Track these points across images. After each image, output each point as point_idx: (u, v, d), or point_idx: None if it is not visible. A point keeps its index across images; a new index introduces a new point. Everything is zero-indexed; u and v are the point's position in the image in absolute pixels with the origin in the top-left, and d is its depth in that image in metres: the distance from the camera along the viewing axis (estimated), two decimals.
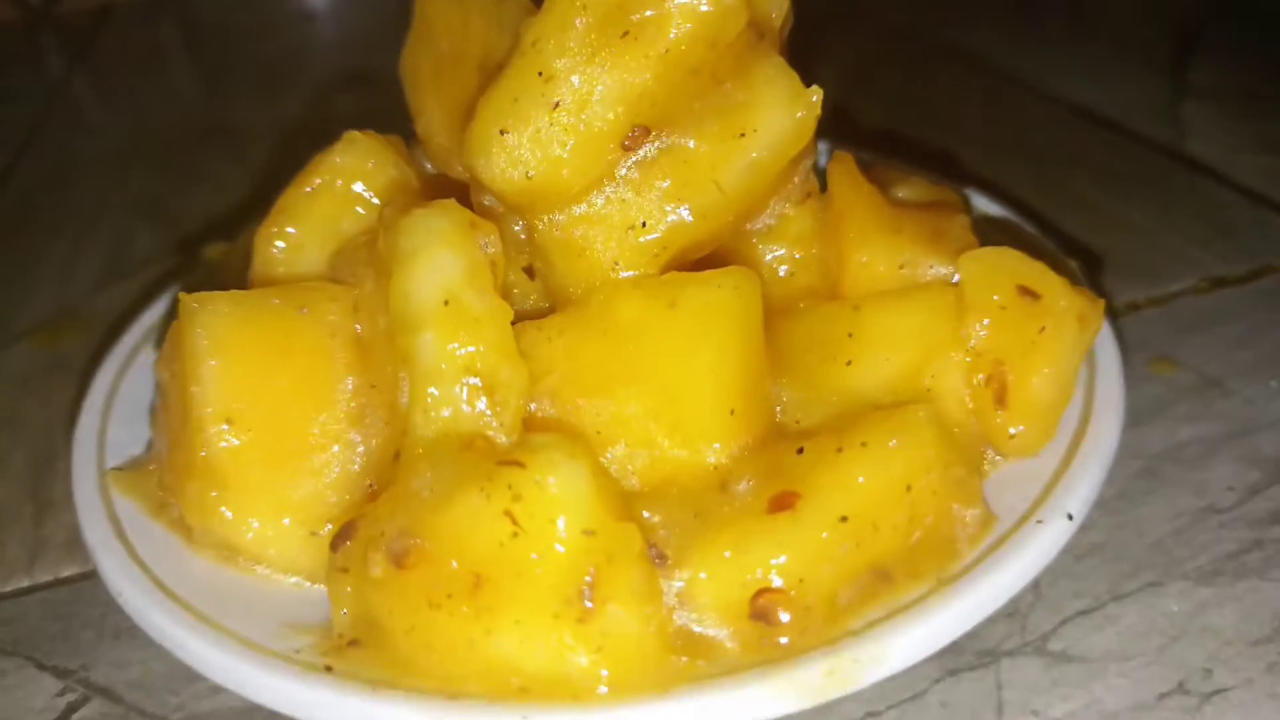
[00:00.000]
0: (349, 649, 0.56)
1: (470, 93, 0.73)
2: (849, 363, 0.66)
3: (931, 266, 0.70)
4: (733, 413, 0.60)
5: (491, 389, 0.59)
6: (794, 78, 0.65)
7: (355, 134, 0.73)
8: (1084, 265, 0.97)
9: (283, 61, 1.85)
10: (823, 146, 1.04)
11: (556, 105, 0.61)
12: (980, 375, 0.64)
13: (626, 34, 0.59)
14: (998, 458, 0.66)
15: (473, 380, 0.58)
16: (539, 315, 0.72)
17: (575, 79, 0.61)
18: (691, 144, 0.63)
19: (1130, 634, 0.67)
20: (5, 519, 0.84)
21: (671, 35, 0.59)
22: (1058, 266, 0.79)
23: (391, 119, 0.81)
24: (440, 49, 0.76)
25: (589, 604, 0.52)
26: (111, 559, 0.62)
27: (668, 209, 0.64)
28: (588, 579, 0.52)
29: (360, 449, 0.64)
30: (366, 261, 0.67)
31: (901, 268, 0.69)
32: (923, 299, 0.66)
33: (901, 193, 0.78)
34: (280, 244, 0.72)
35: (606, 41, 0.60)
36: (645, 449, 0.60)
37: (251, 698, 0.56)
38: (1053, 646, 0.66)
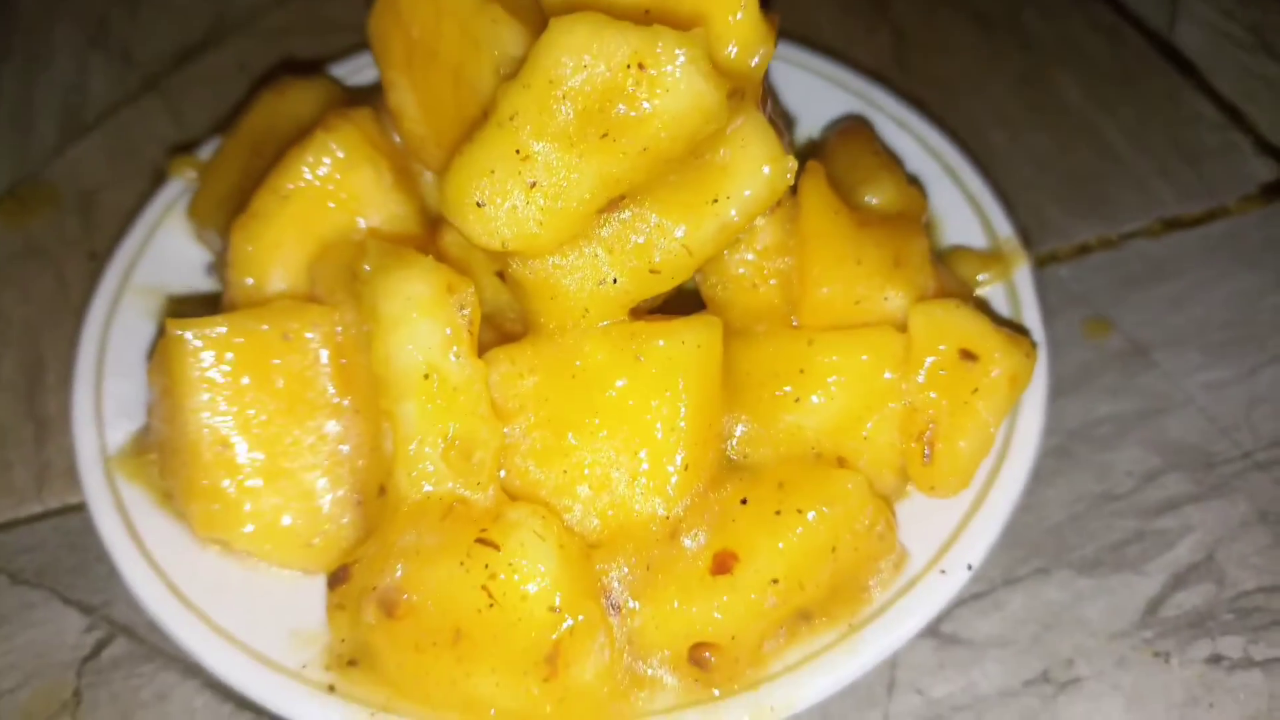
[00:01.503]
0: (349, 668, 0.65)
1: (445, 98, 0.72)
2: (797, 399, 0.71)
3: (887, 298, 0.74)
4: (687, 468, 0.67)
5: (468, 451, 0.65)
6: (771, 141, 0.65)
7: (325, 137, 0.73)
8: (1028, 218, 1.00)
9: None
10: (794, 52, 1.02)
11: (533, 185, 0.62)
12: (913, 431, 0.70)
13: (606, 135, 0.59)
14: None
15: (451, 448, 0.64)
16: (512, 313, 0.76)
17: (553, 161, 0.61)
18: (663, 214, 0.65)
19: (1012, 620, 0.79)
20: (7, 440, 0.90)
21: (652, 136, 0.59)
22: (998, 262, 0.83)
23: None
24: (411, 34, 0.73)
25: (554, 666, 0.61)
26: (129, 564, 0.70)
27: (638, 267, 0.66)
28: (553, 647, 0.61)
29: (347, 466, 0.70)
30: (346, 286, 0.70)
31: (858, 303, 0.73)
32: (872, 345, 0.71)
33: (870, 196, 0.80)
34: (256, 247, 0.73)
35: (585, 135, 0.60)
36: (607, 493, 0.67)
37: (264, 707, 0.66)
38: (945, 629, 0.78)
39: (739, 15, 0.65)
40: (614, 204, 0.64)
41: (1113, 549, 0.81)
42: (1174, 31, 1.22)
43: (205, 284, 0.88)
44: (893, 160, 0.85)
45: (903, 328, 0.73)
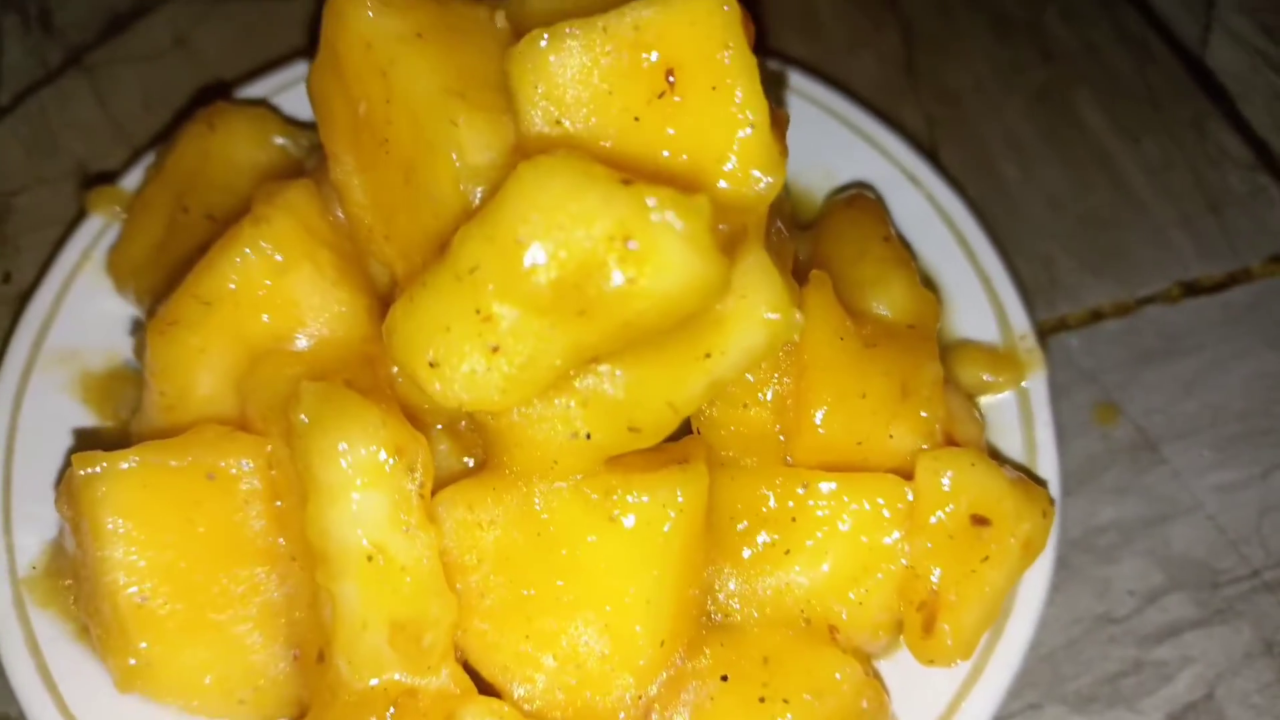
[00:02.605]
0: None
1: (396, 193, 0.62)
2: (787, 552, 0.64)
3: (892, 436, 0.66)
4: (663, 643, 0.60)
5: (418, 635, 0.57)
6: (777, 286, 0.56)
7: (254, 234, 0.62)
8: (1039, 273, 0.92)
9: None
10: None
11: (496, 349, 0.52)
12: (912, 597, 0.63)
13: (583, 312, 0.50)
14: None
15: (399, 633, 0.56)
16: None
17: (519, 328, 0.52)
18: (645, 369, 0.56)
19: None
20: None
21: (637, 314, 0.50)
22: (1011, 366, 0.76)
23: None
24: (357, 109, 0.63)
25: None
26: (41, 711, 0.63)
27: (615, 424, 0.58)
28: None
29: (284, 618, 0.63)
30: (278, 419, 0.61)
31: (860, 443, 0.65)
32: (873, 498, 0.64)
33: (879, 304, 0.71)
34: (176, 356, 0.64)
35: (558, 307, 0.50)
36: (574, 666, 0.60)
37: None
38: None
39: (746, 132, 0.56)
40: (590, 364, 0.55)
41: (1109, 681, 0.77)
42: (1206, 47, 1.12)
43: (128, 346, 0.78)
44: (904, 252, 0.76)
45: (907, 469, 0.66)
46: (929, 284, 0.80)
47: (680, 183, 0.55)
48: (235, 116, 0.78)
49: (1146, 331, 0.93)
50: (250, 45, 1.06)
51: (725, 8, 0.54)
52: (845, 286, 0.71)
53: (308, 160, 0.74)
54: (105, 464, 0.60)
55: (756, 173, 0.56)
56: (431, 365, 0.53)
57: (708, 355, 0.56)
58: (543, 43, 0.56)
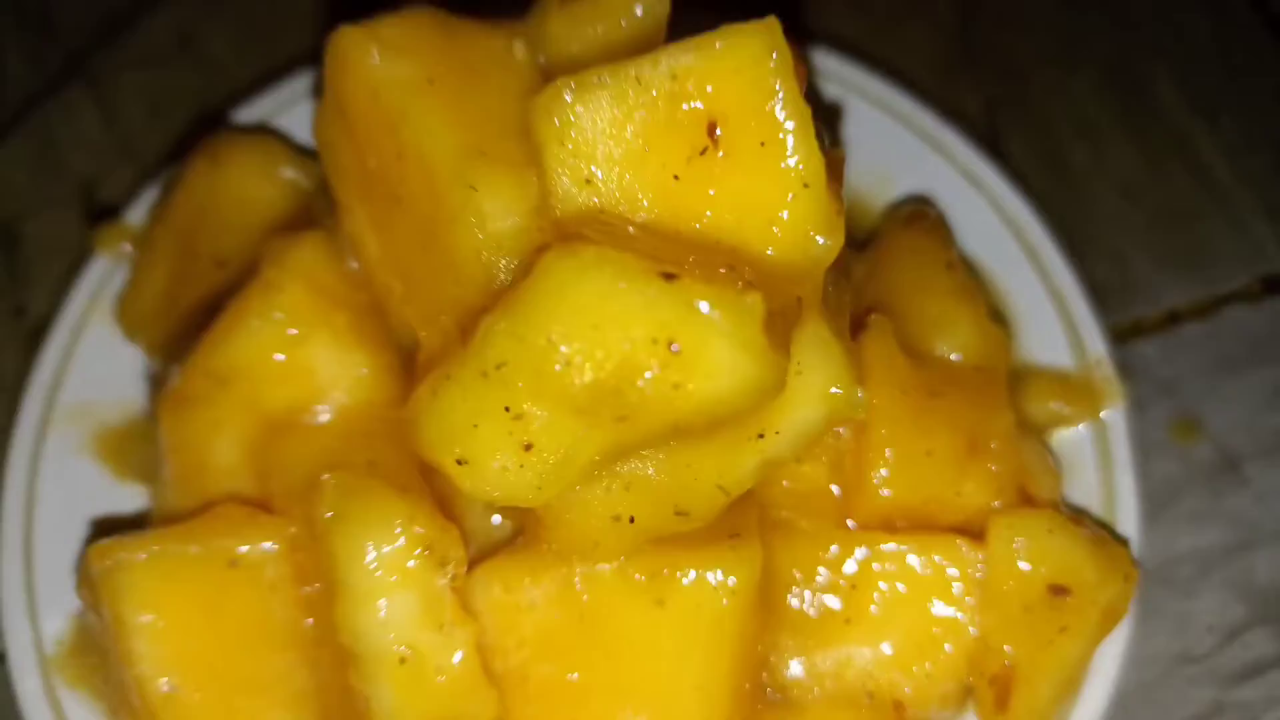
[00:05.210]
0: None
1: (415, 255, 0.57)
2: (847, 620, 0.60)
3: (959, 494, 0.61)
4: None
5: None
6: (837, 360, 0.51)
7: (265, 303, 0.58)
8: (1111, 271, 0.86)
9: None
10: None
11: (529, 448, 0.48)
12: (985, 669, 0.59)
13: (624, 418, 0.45)
14: None
15: None
16: None
17: (553, 426, 0.47)
18: (693, 451, 0.51)
19: None
20: None
21: (683, 417, 0.45)
22: (1086, 396, 0.71)
23: None
24: (367, 162, 0.57)
25: None
26: None
27: (660, 507, 0.53)
28: None
29: (316, 701, 0.60)
30: (300, 502, 0.57)
31: (925, 503, 0.61)
32: (941, 564, 0.59)
33: (945, 347, 0.65)
34: (189, 433, 0.60)
35: (596, 411, 0.46)
36: None
37: None
38: None
39: (800, 192, 0.49)
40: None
41: None
42: None
43: (142, 393, 0.74)
44: (970, 281, 0.69)
45: (977, 527, 0.61)
46: (996, 301, 0.74)
47: (726, 247, 0.50)
48: (241, 148, 0.73)
49: (1227, 335, 0.87)
50: (258, 43, 1.01)
51: (773, 53, 0.48)
52: (906, 323, 0.66)
53: (318, 201, 0.69)
54: (123, 555, 0.56)
55: (812, 236, 0.50)
56: (460, 463, 0.49)
57: (760, 435, 0.52)
58: (568, 95, 0.50)
